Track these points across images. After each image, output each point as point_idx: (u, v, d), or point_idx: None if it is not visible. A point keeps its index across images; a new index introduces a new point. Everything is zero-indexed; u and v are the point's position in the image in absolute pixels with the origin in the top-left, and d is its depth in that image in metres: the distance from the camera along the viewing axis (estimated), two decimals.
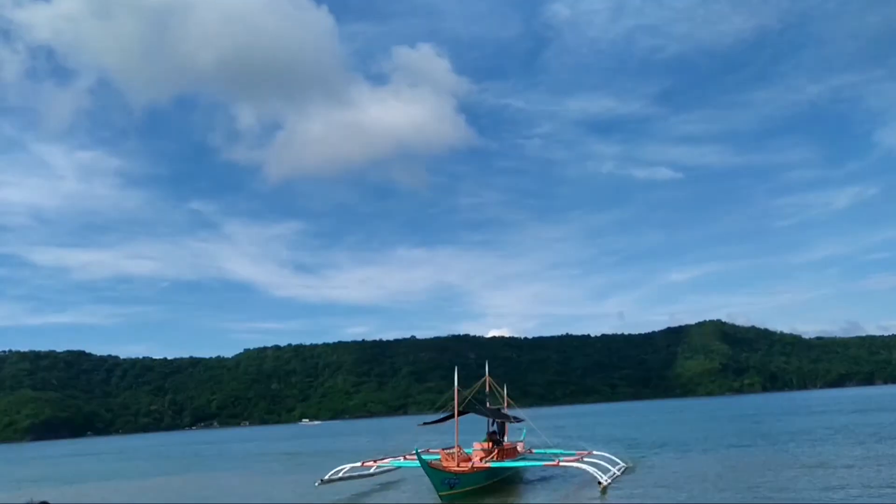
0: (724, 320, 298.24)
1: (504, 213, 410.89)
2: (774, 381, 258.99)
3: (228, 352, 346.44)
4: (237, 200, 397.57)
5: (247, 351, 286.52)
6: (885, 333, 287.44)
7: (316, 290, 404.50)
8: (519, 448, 32.16)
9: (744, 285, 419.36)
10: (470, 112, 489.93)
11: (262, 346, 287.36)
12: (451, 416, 28.30)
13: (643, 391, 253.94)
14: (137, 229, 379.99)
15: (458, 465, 26.52)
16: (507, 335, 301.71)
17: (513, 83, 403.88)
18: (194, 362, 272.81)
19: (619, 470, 27.62)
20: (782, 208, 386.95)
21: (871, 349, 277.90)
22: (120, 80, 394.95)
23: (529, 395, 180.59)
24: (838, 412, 68.57)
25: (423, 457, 24.95)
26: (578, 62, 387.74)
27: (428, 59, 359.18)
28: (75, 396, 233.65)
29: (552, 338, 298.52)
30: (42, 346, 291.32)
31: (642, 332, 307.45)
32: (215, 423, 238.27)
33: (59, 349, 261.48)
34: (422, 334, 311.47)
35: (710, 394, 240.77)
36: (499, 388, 32.52)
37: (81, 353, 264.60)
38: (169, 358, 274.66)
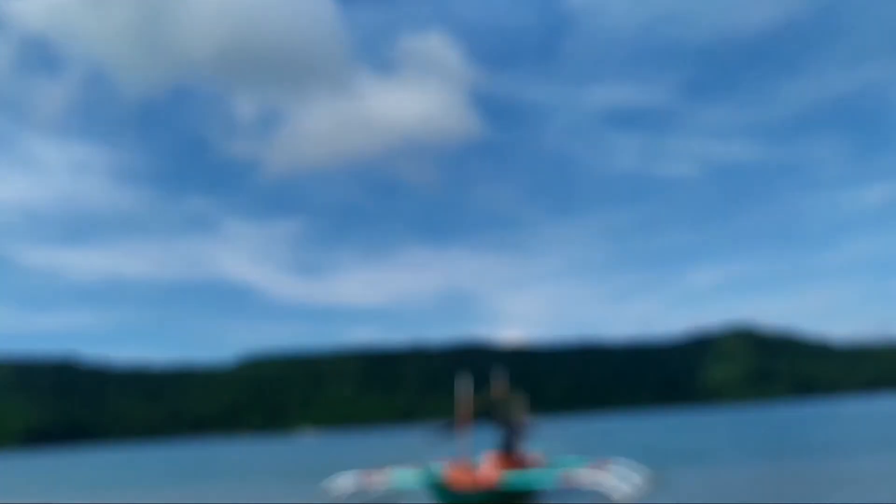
0: (750, 324, 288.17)
1: (518, 210, 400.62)
2: (803, 388, 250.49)
3: (226, 356, 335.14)
4: (235, 197, 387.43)
5: (245, 356, 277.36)
6: None
7: (318, 292, 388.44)
8: (534, 459, 30.91)
9: (771, 287, 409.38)
10: (482, 104, 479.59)
11: (261, 350, 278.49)
12: (461, 425, 27.18)
13: (666, 399, 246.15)
14: (131, 227, 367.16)
15: (467, 479, 25.37)
16: (521, 340, 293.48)
17: (528, 73, 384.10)
18: (190, 367, 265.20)
19: (641, 482, 26.26)
20: (811, 205, 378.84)
21: None
22: (113, 72, 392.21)
23: (546, 403, 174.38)
24: (872, 421, 66.18)
25: (429, 469, 23.85)
26: (598, 51, 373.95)
27: (438, 47, 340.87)
28: (66, 403, 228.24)
29: (570, 342, 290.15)
30: (31, 349, 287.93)
31: (665, 335, 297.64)
32: (212, 433, 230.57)
33: (49, 353, 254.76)
34: (431, 339, 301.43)
35: (736, 400, 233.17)
36: (513, 396, 31.37)
37: (72, 358, 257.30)
38: (164, 363, 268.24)
